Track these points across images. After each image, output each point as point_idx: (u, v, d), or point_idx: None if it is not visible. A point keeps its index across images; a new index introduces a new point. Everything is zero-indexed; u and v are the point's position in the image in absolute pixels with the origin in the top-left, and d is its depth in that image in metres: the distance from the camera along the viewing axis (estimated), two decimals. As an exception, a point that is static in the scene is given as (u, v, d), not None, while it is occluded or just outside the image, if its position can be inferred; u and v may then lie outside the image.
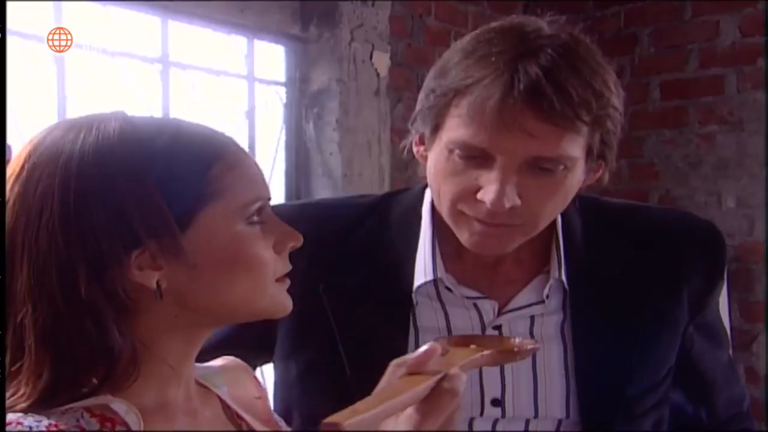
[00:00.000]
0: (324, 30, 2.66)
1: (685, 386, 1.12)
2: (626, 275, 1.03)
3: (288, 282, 0.81)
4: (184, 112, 2.45)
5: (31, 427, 0.66)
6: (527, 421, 1.00)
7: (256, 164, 0.81)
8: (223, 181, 0.75)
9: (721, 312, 1.15)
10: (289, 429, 0.90)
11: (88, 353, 0.70)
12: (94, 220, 0.70)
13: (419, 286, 1.01)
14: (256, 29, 2.57)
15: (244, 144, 2.65)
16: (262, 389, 0.89)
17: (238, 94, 2.61)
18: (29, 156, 0.72)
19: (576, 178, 0.94)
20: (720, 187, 3.10)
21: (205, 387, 0.85)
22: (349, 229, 1.06)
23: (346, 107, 2.66)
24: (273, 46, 2.68)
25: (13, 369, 0.71)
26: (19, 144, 2.03)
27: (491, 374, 1.00)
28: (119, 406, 0.71)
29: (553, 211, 0.96)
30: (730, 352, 1.20)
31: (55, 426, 0.67)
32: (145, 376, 0.74)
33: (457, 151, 0.91)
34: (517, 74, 0.87)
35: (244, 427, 0.85)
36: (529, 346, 0.85)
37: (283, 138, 2.73)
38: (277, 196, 2.73)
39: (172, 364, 0.77)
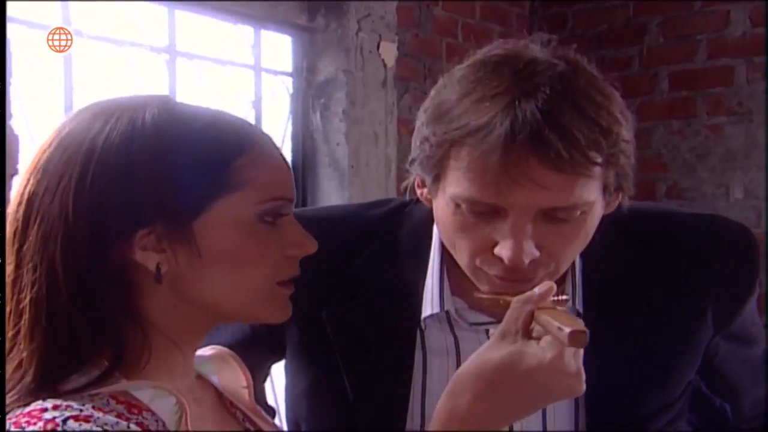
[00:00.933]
0: (331, 20, 2.66)
1: (709, 385, 1.08)
2: (646, 295, 0.97)
3: (292, 288, 0.80)
4: (190, 102, 2.44)
5: (93, 417, 0.65)
6: None
7: (285, 163, 0.80)
8: (244, 175, 0.75)
9: None
10: (269, 419, 0.90)
11: (83, 324, 0.70)
12: (107, 193, 0.70)
13: (427, 317, 0.98)
14: (263, 19, 2.56)
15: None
16: (248, 379, 0.89)
17: (244, 84, 2.61)
18: (64, 126, 0.74)
19: (595, 217, 0.89)
20: (728, 179, 3.08)
21: (200, 376, 0.85)
22: (355, 249, 1.01)
23: (352, 98, 2.65)
24: (280, 36, 2.68)
25: (9, 333, 0.71)
26: (26, 134, 2.02)
27: None
28: (143, 393, 0.71)
29: (574, 252, 0.91)
30: (765, 346, 1.12)
31: (100, 410, 0.67)
32: (154, 361, 0.74)
33: (464, 206, 0.86)
34: (516, 122, 0.81)
35: (239, 416, 0.85)
36: (564, 297, 0.84)
37: (290, 128, 2.73)
38: (284, 186, 2.72)
39: (181, 349, 0.77)
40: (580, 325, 0.75)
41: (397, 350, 0.95)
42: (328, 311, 0.98)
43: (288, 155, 2.72)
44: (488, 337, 0.96)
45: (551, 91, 0.83)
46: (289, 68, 2.71)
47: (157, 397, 0.72)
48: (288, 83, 2.72)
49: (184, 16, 2.40)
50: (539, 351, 0.75)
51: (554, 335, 0.75)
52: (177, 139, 0.73)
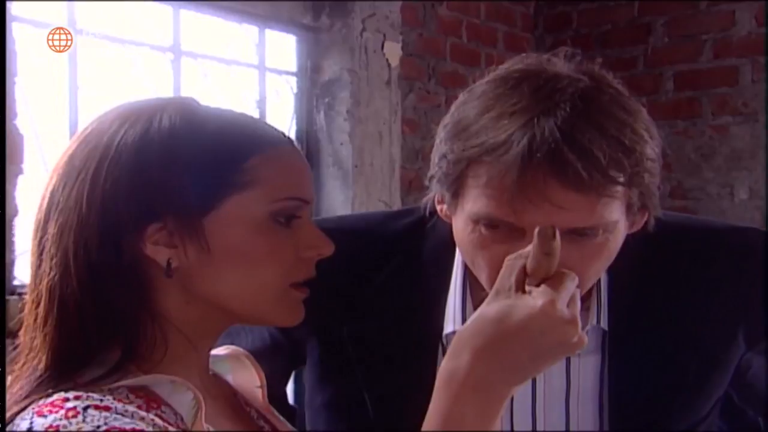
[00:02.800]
0: (336, 19, 2.66)
1: (741, 398, 1.05)
2: (675, 317, 0.94)
3: (306, 292, 0.80)
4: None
5: (112, 407, 0.67)
6: None
7: (304, 165, 0.80)
8: (258, 173, 0.75)
9: None
10: (282, 419, 0.90)
11: (94, 316, 0.72)
12: (118, 187, 0.72)
13: (448, 333, 0.95)
14: (267, 18, 2.57)
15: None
16: (262, 379, 0.89)
17: (249, 84, 2.61)
18: (88, 126, 0.76)
19: (619, 237, 0.86)
20: (733, 179, 3.07)
21: (215, 375, 0.85)
22: (377, 265, 0.99)
23: (357, 97, 2.66)
24: (284, 35, 2.68)
25: (28, 322, 0.73)
26: (30, 132, 2.04)
27: (522, 411, 0.95)
28: (162, 388, 0.72)
29: (599, 271, 0.88)
30: None
31: (120, 401, 0.68)
32: (170, 356, 0.74)
33: (482, 224, 0.84)
34: (534, 140, 0.78)
35: (253, 414, 0.86)
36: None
37: (294, 128, 2.73)
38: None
39: (196, 346, 0.77)
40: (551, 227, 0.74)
41: (419, 368, 0.92)
42: (349, 328, 0.97)
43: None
44: None
45: (572, 108, 0.80)
46: (294, 68, 2.71)
47: (175, 392, 0.72)
48: (292, 83, 2.72)
49: (189, 15, 2.40)
50: (530, 300, 0.73)
51: (533, 248, 0.75)
52: (190, 137, 0.74)
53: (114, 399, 0.68)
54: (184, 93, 2.40)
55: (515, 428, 0.96)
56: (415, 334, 0.96)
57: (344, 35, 2.65)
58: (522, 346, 0.73)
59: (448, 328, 0.95)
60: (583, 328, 0.93)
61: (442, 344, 0.96)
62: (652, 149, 0.84)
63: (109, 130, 0.74)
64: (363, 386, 0.97)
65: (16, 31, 1.88)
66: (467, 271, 0.96)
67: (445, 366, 0.76)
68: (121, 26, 2.26)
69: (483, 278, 0.89)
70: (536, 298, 0.73)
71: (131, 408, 0.67)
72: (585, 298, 0.94)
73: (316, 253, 0.80)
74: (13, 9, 1.90)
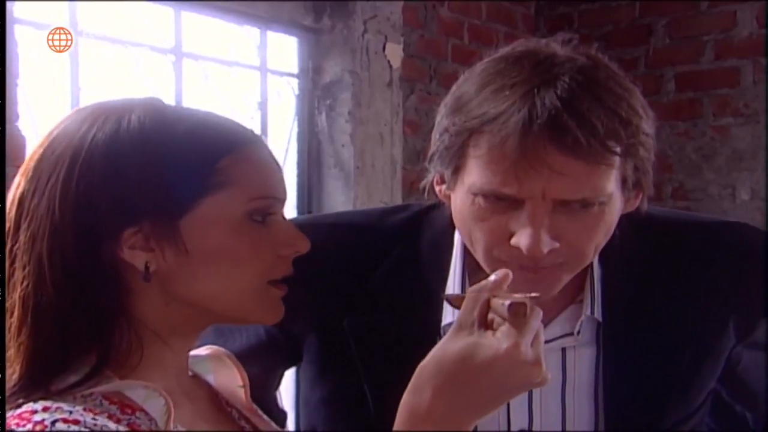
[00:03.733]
0: (337, 21, 2.66)
1: (730, 393, 1.07)
2: (667, 307, 0.96)
3: (285, 289, 0.80)
4: (196, 102, 2.45)
5: (81, 420, 0.65)
6: None
7: (275, 163, 0.81)
8: (231, 173, 0.75)
9: None
10: (267, 418, 0.90)
11: (71, 323, 0.71)
12: (92, 192, 0.71)
13: (447, 324, 0.97)
14: (268, 20, 2.57)
15: (256, 135, 2.66)
16: (244, 379, 0.89)
17: (250, 85, 2.61)
18: (54, 129, 0.75)
19: (614, 211, 0.88)
20: (734, 180, 3.07)
21: (195, 375, 0.85)
22: (377, 258, 1.00)
23: (358, 99, 2.66)
24: (286, 37, 2.68)
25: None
26: (32, 134, 2.04)
27: (518, 404, 0.96)
28: (136, 393, 0.71)
29: (597, 246, 0.89)
30: None
31: (91, 411, 0.67)
32: (147, 360, 0.74)
33: (481, 196, 0.85)
34: (534, 109, 0.80)
35: (234, 414, 0.86)
36: (533, 295, 0.82)
37: (296, 129, 2.73)
38: (289, 187, 2.72)
39: (173, 348, 0.77)
40: (523, 298, 0.74)
41: (419, 359, 0.94)
42: (350, 320, 0.98)
43: (293, 156, 2.73)
44: None
45: (571, 80, 0.82)
46: (295, 69, 2.72)
47: (149, 397, 0.72)
48: (294, 84, 2.72)
49: (191, 17, 2.40)
50: (494, 342, 0.73)
51: (499, 314, 0.74)
52: (162, 139, 0.74)
53: (85, 410, 0.67)
54: (186, 94, 2.40)
55: (512, 423, 0.96)
56: (414, 326, 0.97)
57: (345, 37, 2.65)
58: (485, 386, 0.74)
59: (447, 319, 0.96)
60: (576, 320, 0.95)
61: (440, 336, 0.96)
62: (647, 125, 0.87)
63: (78, 133, 0.73)
64: (363, 379, 0.97)
65: (18, 33, 1.88)
66: (465, 261, 0.97)
67: (406, 400, 0.76)
68: (122, 28, 2.26)
69: (480, 254, 0.90)
70: (501, 340, 0.73)
71: (101, 420, 0.66)
72: (578, 290, 0.96)
73: (293, 250, 0.80)
74: (14, 11, 1.90)
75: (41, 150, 0.74)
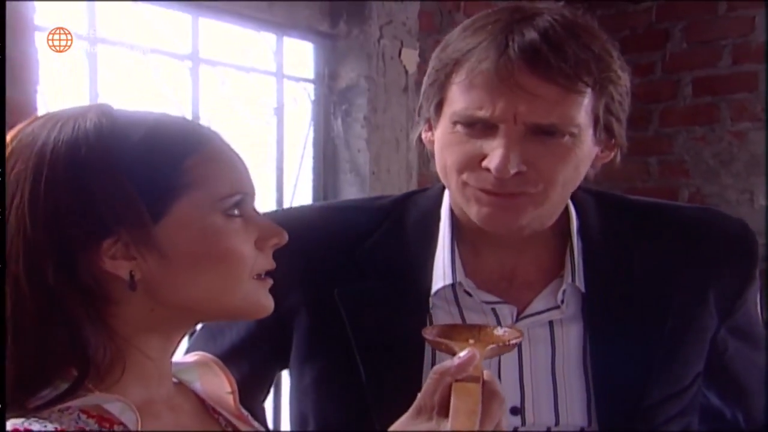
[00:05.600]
0: (353, 26, 2.67)
1: (720, 391, 1.09)
2: (648, 279, 0.99)
3: (270, 281, 0.80)
4: (213, 108, 2.47)
5: None
6: (548, 430, 0.98)
7: (239, 158, 0.80)
8: (199, 173, 0.74)
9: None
10: (257, 424, 0.89)
11: (53, 342, 0.70)
12: (63, 206, 0.70)
13: (437, 290, 0.99)
14: (285, 26, 2.58)
15: (272, 140, 2.68)
16: (233, 384, 0.88)
17: (266, 91, 2.62)
18: (10, 142, 0.73)
19: (585, 149, 0.92)
20: (752, 185, 3.05)
21: (180, 383, 0.85)
22: (366, 233, 1.03)
23: (374, 104, 2.66)
24: (302, 42, 2.69)
25: None
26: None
27: (510, 382, 0.97)
28: (113, 406, 0.71)
29: (564, 182, 0.93)
30: None
31: (62, 430, 0.66)
32: (128, 372, 0.73)
33: (459, 122, 0.90)
34: (512, 35, 0.87)
35: (221, 422, 0.85)
36: (516, 340, 0.85)
37: (311, 134, 2.74)
38: (305, 192, 2.74)
39: (153, 358, 0.76)
40: (471, 419, 0.72)
41: (409, 325, 0.96)
42: (340, 289, 1.00)
43: (309, 161, 2.74)
44: (495, 316, 0.99)
45: (549, 18, 0.89)
46: (311, 75, 2.73)
47: (124, 411, 0.71)
48: (310, 90, 2.73)
49: (208, 23, 2.42)
50: None
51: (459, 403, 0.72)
52: (122, 145, 0.72)
53: (58, 427, 0.66)
54: (203, 100, 2.42)
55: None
56: (404, 292, 1.00)
57: (361, 42, 2.66)
58: None
59: (437, 285, 0.99)
60: (559, 290, 0.98)
61: (428, 303, 1.00)
62: (620, 69, 0.92)
63: (34, 147, 0.71)
64: (355, 347, 0.98)
65: (38, 40, 1.90)
66: (454, 232, 1.01)
67: None
68: (140, 34, 2.28)
69: (451, 179, 0.94)
70: None
71: None
72: (560, 267, 0.99)
73: (273, 243, 0.80)
74: (36, 18, 1.92)
75: None
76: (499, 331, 0.87)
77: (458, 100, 0.90)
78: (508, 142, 0.88)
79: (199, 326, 1.07)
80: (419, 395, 0.77)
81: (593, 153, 0.94)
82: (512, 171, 0.88)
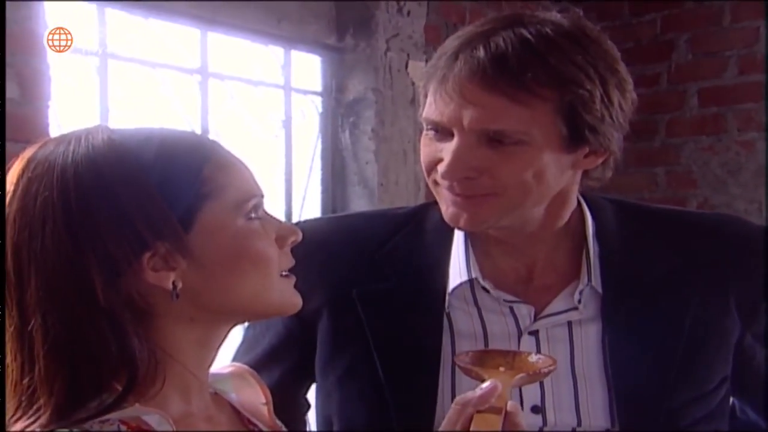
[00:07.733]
0: (360, 40, 2.69)
1: (753, 400, 1.08)
2: (667, 281, 1.00)
3: (293, 278, 0.82)
4: (222, 121, 2.49)
5: None
6: (573, 431, 0.98)
7: (244, 164, 0.82)
8: (216, 181, 0.77)
9: None
10: None
11: (107, 359, 0.71)
12: (100, 226, 0.71)
13: (454, 288, 1.01)
14: (292, 40, 2.60)
15: (280, 153, 2.69)
16: (267, 396, 0.90)
17: (275, 104, 2.64)
18: (23, 172, 0.74)
19: (547, 156, 0.92)
20: (760, 195, 3.05)
21: (216, 393, 0.86)
22: (386, 237, 1.07)
23: (381, 116, 2.68)
24: (309, 56, 2.71)
25: (24, 381, 0.71)
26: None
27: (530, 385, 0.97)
28: (151, 417, 0.72)
29: (525, 186, 0.93)
30: None
31: None
32: (168, 384, 0.75)
33: (427, 126, 0.95)
34: (462, 47, 0.91)
35: None
36: (547, 368, 0.85)
37: (320, 147, 2.76)
38: (313, 205, 2.75)
39: (193, 370, 0.78)
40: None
41: (426, 324, 0.99)
42: (359, 290, 1.03)
43: (318, 174, 2.75)
44: (513, 316, 1.00)
45: (515, 30, 0.90)
46: (319, 88, 2.74)
47: (162, 423, 0.72)
48: (317, 102, 2.75)
49: (216, 37, 2.44)
50: None
51: None
52: (141, 161, 0.74)
53: None
54: (212, 113, 2.44)
55: (523, 396, 0.98)
56: (421, 292, 1.02)
57: (368, 55, 2.68)
58: None
59: (453, 283, 1.01)
60: (575, 290, 0.99)
61: (446, 302, 1.01)
62: (599, 84, 0.90)
63: (54, 170, 0.72)
64: (373, 347, 1.01)
65: (50, 56, 1.93)
66: (467, 235, 1.03)
67: None
68: (150, 49, 2.30)
69: (429, 183, 0.99)
70: None
71: None
72: (578, 269, 1.00)
73: (291, 240, 0.82)
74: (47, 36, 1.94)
75: (17, 196, 0.73)
76: (533, 358, 0.88)
77: (427, 106, 0.95)
78: (457, 147, 0.91)
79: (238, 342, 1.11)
80: (442, 424, 0.78)
81: (566, 159, 0.94)
82: (460, 175, 0.92)
